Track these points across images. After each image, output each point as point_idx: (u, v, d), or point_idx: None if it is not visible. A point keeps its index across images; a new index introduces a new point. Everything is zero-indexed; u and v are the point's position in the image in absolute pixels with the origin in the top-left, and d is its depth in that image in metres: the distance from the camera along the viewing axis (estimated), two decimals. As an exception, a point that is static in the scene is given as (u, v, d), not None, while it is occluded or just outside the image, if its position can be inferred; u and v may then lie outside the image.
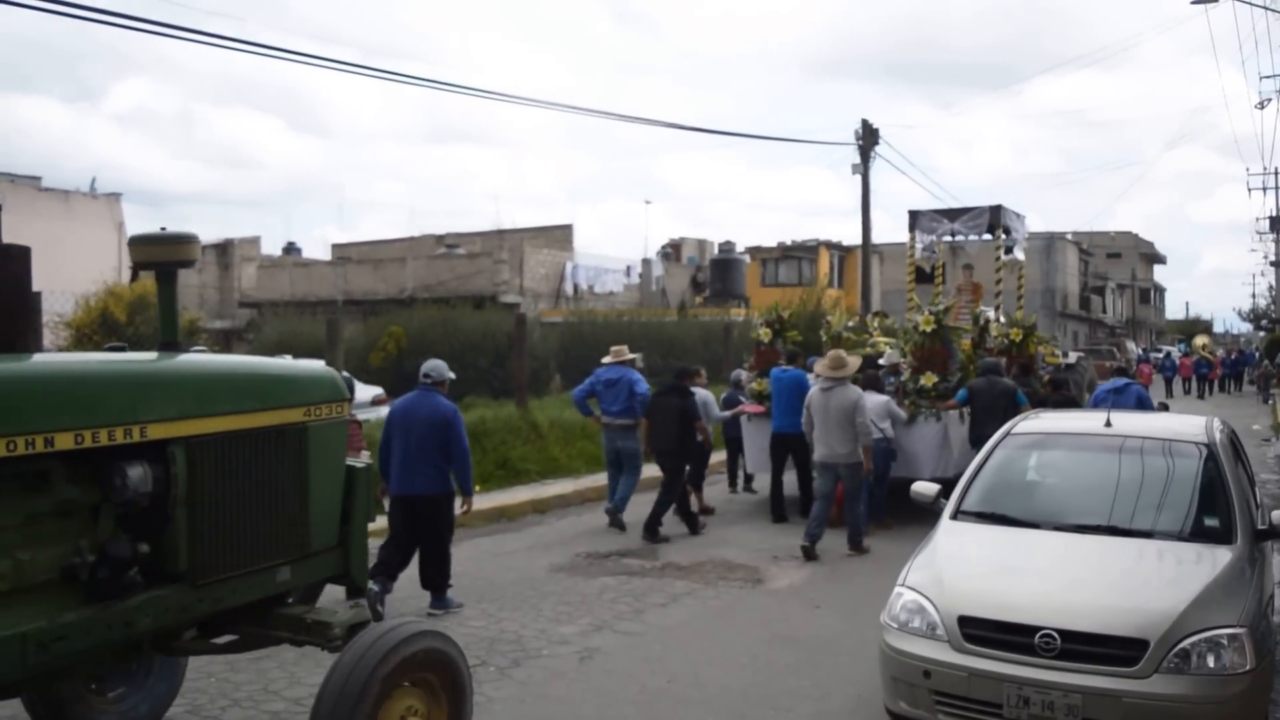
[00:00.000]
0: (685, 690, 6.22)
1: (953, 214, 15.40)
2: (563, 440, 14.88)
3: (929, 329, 12.12)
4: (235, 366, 4.71)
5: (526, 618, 7.70)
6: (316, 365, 5.06)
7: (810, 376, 11.31)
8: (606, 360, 11.60)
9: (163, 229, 4.86)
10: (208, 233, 41.95)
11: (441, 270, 33.06)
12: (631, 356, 11.64)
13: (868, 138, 27.09)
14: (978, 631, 4.93)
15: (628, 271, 36.12)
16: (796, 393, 11.30)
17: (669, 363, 17.72)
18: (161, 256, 4.77)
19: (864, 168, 27.19)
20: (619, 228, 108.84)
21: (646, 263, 37.52)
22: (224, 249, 40.02)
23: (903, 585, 5.37)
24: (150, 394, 3.97)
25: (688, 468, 11.15)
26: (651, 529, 10.63)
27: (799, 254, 38.42)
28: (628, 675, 6.43)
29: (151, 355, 4.52)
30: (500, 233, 36.88)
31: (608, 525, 11.15)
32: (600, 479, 13.02)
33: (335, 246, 41.93)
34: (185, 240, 4.81)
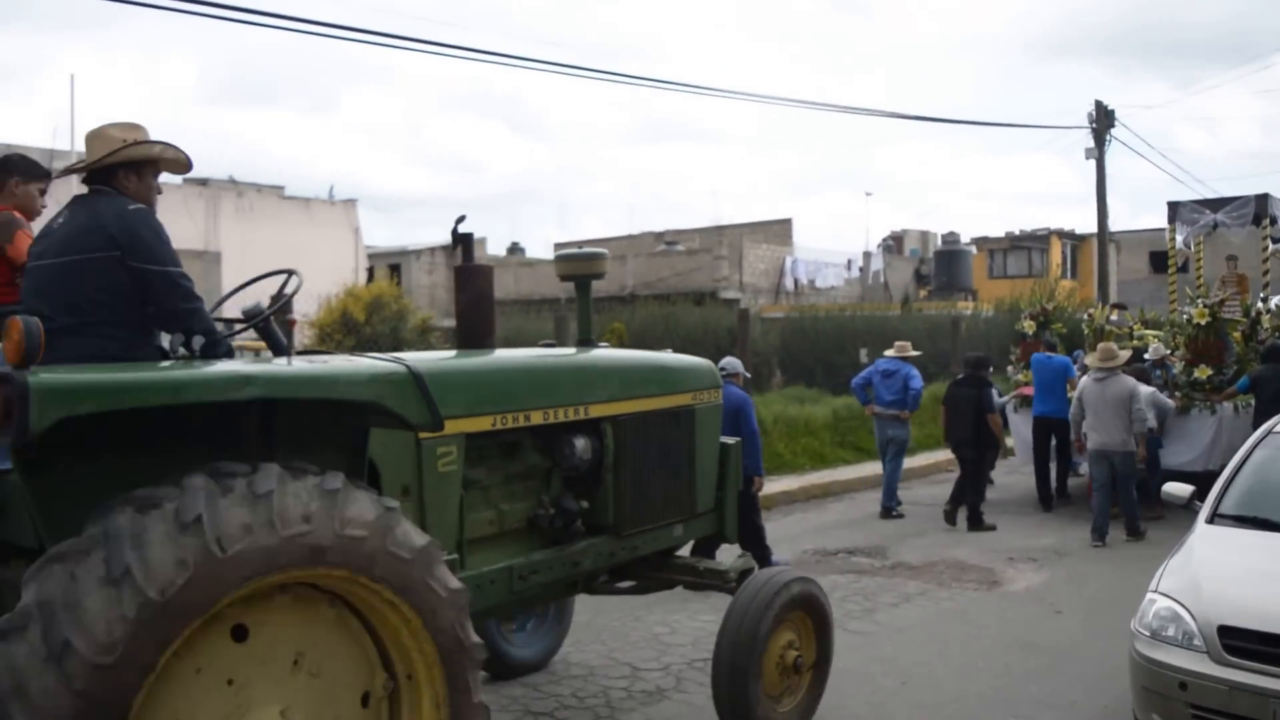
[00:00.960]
0: (919, 693, 6.19)
1: (1215, 204, 14.98)
2: (786, 436, 14.93)
3: (1203, 321, 11.94)
4: (644, 360, 5.56)
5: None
6: (700, 360, 5.86)
7: (1075, 367, 11.99)
8: (889, 353, 11.85)
9: (580, 247, 5.62)
10: (436, 236, 44.00)
11: (661, 267, 33.58)
12: (915, 354, 11.87)
13: (1102, 120, 26.01)
14: (1240, 643, 4.71)
15: (848, 265, 35.68)
16: (1060, 379, 11.88)
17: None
18: (580, 271, 5.79)
19: (1099, 152, 26.12)
20: (839, 221, 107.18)
21: (867, 256, 36.93)
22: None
23: (1155, 591, 5.18)
24: (591, 382, 4.97)
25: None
26: (975, 520, 11.02)
27: (1029, 244, 36.85)
28: (860, 675, 6.45)
29: (571, 350, 5.49)
30: (719, 229, 37.16)
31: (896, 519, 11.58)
32: (824, 476, 12.97)
33: (557, 245, 43.22)
34: (598, 257, 5.89)
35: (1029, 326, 13.51)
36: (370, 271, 37.41)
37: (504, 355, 5.08)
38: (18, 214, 4.65)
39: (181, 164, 3.98)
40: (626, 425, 5.04)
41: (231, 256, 26.92)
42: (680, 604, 7.55)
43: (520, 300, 35.57)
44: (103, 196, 3.79)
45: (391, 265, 40.92)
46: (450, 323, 33.99)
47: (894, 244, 41.20)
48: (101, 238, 3.64)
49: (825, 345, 24.20)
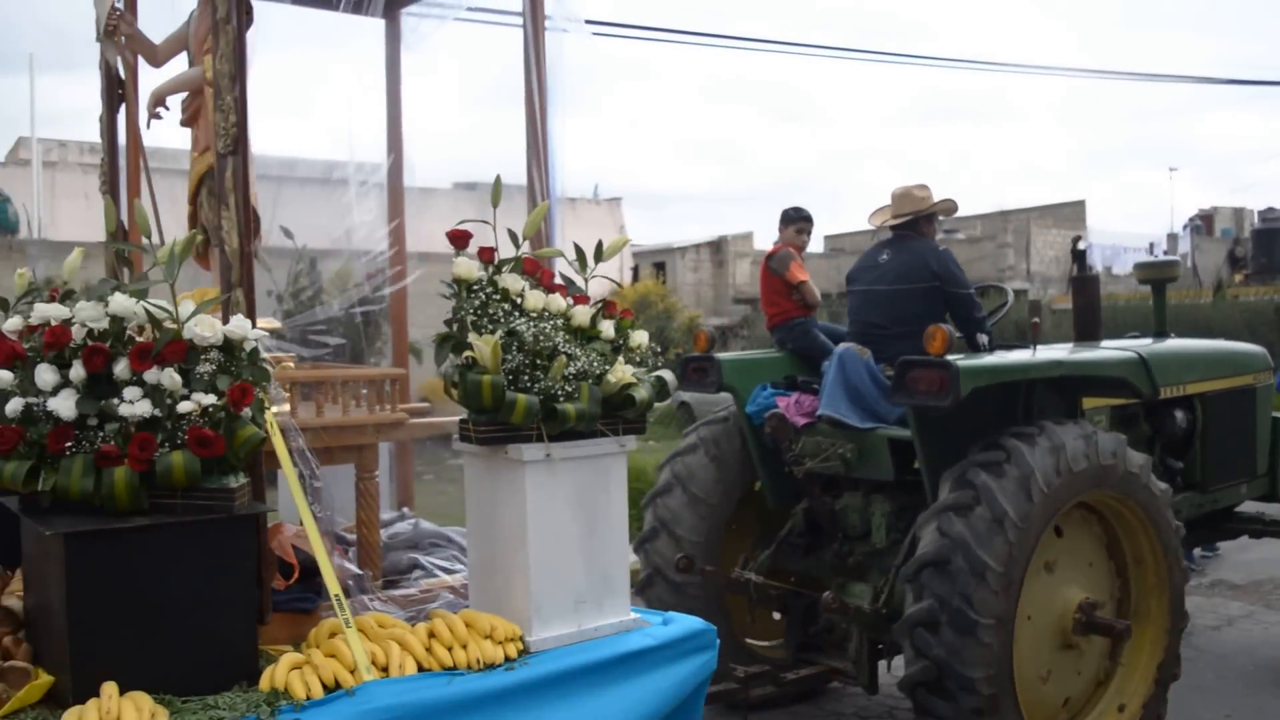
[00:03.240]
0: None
1: None
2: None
3: None
4: (1218, 347, 6.63)
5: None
6: (1255, 347, 6.71)
7: None
8: None
9: (1165, 253, 6.58)
10: (701, 231, 45.04)
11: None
12: None
13: None
14: None
15: (1150, 249, 34.49)
16: None
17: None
18: (1157, 275, 6.83)
19: None
20: (1139, 201, 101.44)
21: (1172, 238, 35.69)
22: (718, 246, 42.80)
23: None
24: (1192, 365, 5.91)
25: None
26: None
27: (1369, 219, 34.59)
28: (1176, 706, 5.70)
29: (1147, 341, 6.24)
30: (1004, 214, 36.67)
31: None
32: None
33: (828, 238, 43.28)
34: (1172, 264, 7.11)
35: None
36: (635, 270, 38.92)
37: (1169, 344, 6.20)
38: (792, 249, 6.40)
39: (952, 210, 5.60)
40: (1211, 401, 5.99)
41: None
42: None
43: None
44: (912, 240, 5.43)
45: (656, 263, 42.21)
46: (718, 320, 35.02)
47: (1202, 224, 39.47)
48: (926, 272, 5.25)
49: (1121, 336, 23.51)
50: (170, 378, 2.70)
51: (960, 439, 4.44)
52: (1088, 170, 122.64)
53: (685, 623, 3.44)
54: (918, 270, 5.27)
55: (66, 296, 2.99)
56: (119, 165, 4.00)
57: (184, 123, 3.83)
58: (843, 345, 5.10)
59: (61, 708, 2.56)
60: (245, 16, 3.01)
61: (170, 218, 3.99)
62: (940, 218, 5.62)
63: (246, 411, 2.81)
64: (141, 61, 4.15)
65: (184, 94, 3.86)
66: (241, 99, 2.98)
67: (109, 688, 2.55)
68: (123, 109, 4.08)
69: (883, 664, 4.87)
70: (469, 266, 3.18)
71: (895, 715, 5.56)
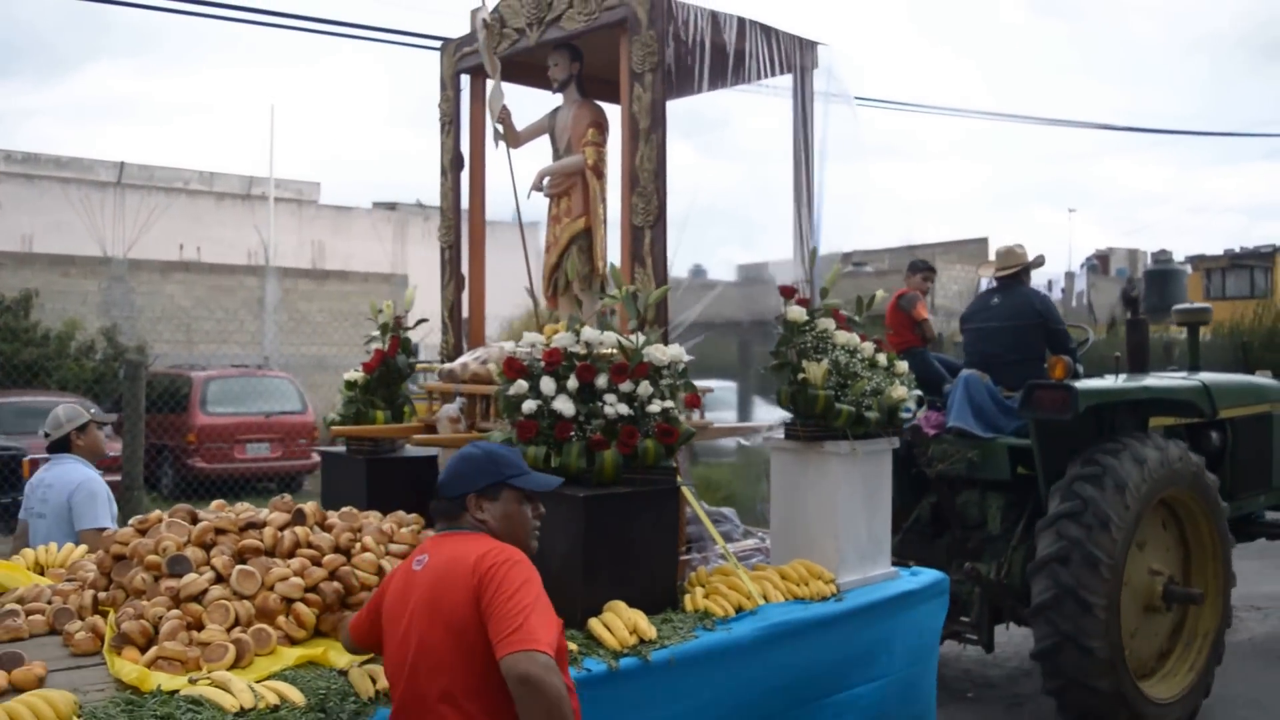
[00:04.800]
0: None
1: None
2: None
3: None
4: (1245, 379, 8.21)
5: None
6: (1273, 381, 8.16)
7: None
8: None
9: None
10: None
11: (848, 289, 35.21)
12: None
13: None
14: None
15: (1049, 285, 37.04)
16: None
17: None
18: (1193, 319, 8.72)
19: None
20: (1040, 239, 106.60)
21: (1070, 276, 38.40)
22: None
23: None
24: (1230, 394, 7.41)
25: None
26: None
27: (1251, 262, 37.39)
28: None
29: (1180, 374, 7.66)
30: (910, 248, 38.87)
31: None
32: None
33: (740, 267, 45.05)
34: (1205, 310, 8.95)
35: None
36: (557, 292, 39.95)
37: (1214, 375, 7.77)
38: (919, 292, 8.00)
39: (1041, 264, 7.18)
40: (1240, 424, 7.44)
41: (419, 279, 28.72)
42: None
43: (703, 323, 37.56)
44: (1020, 285, 7.08)
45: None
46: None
47: (1099, 263, 42.53)
48: (1031, 312, 6.91)
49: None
50: (645, 387, 3.91)
51: (1066, 446, 5.91)
52: (992, 208, 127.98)
53: (929, 573, 4.76)
54: (1024, 311, 6.87)
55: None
56: (461, 222, 5.18)
57: (553, 195, 5.01)
58: (966, 370, 6.55)
59: (572, 627, 3.72)
60: (664, 130, 4.25)
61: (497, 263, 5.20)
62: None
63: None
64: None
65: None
66: (661, 188, 4.23)
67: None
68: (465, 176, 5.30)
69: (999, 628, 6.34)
70: (798, 312, 4.46)
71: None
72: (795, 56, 4.80)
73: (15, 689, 3.10)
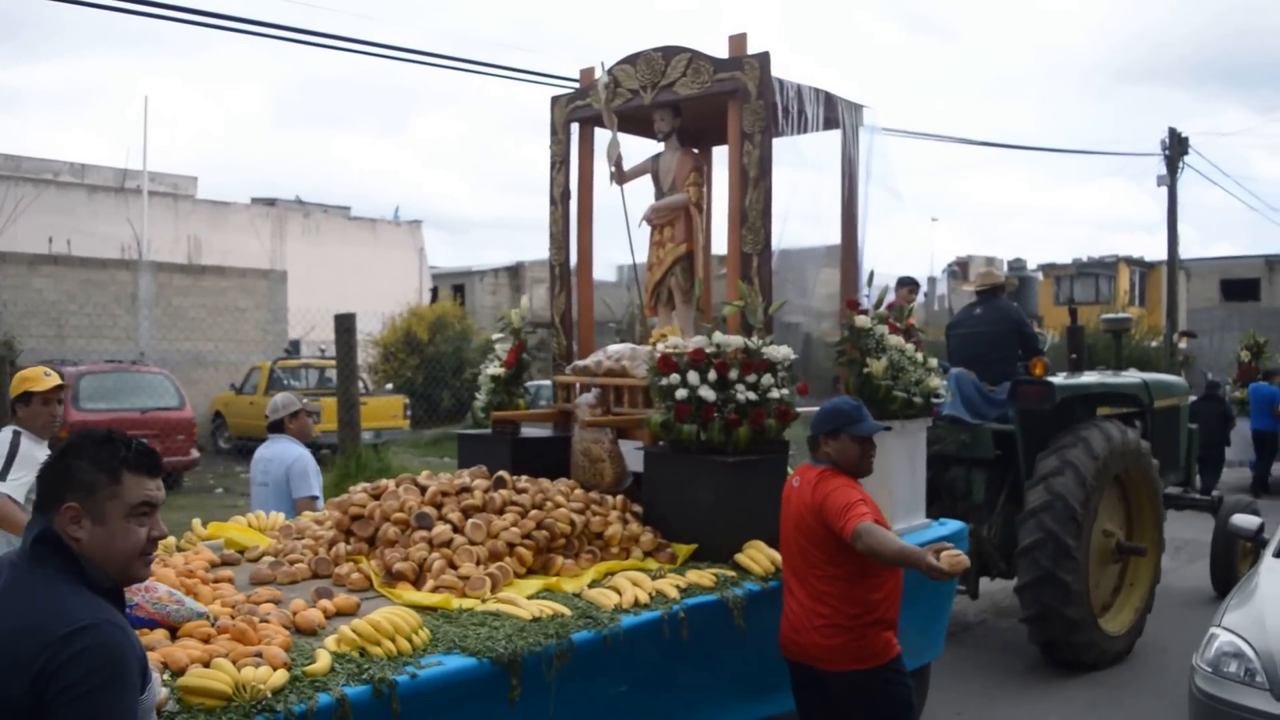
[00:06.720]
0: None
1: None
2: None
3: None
4: (1165, 379, 9.68)
5: None
6: (1179, 379, 9.94)
7: None
8: None
9: (1119, 314, 9.77)
10: (501, 256, 46.80)
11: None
12: None
13: (1175, 147, 27.06)
14: None
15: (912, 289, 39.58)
16: (1264, 401, 15.64)
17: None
18: (1117, 326, 10.29)
19: (1170, 179, 27.02)
20: (904, 246, 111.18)
21: (932, 281, 41.01)
22: (515, 271, 45.09)
23: (1218, 626, 5.27)
24: (1157, 390, 9.00)
25: None
26: None
27: (1096, 270, 40.49)
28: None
29: (1110, 372, 9.26)
30: (784, 253, 40.68)
31: None
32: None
33: (619, 268, 46.15)
34: (1127, 319, 10.44)
35: (1245, 355, 17.07)
36: (434, 292, 40.27)
37: (1143, 374, 9.36)
38: (904, 304, 8.94)
39: (1014, 285, 8.81)
40: (1159, 414, 8.99)
41: (297, 275, 28.55)
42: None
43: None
44: (996, 298, 8.57)
45: (455, 286, 43.98)
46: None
47: (959, 270, 45.24)
48: (1008, 321, 8.36)
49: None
50: (767, 379, 5.14)
51: (1040, 429, 7.42)
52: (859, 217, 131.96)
53: (953, 524, 6.12)
54: (1002, 319, 8.38)
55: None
56: (569, 247, 6.33)
57: (656, 225, 6.15)
58: (955, 369, 7.97)
59: (708, 559, 4.91)
60: (770, 179, 5.48)
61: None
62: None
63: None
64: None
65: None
66: (768, 224, 5.47)
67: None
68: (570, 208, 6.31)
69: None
70: (864, 320, 5.78)
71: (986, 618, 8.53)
72: (844, 116, 6.09)
73: (341, 614, 4.12)
